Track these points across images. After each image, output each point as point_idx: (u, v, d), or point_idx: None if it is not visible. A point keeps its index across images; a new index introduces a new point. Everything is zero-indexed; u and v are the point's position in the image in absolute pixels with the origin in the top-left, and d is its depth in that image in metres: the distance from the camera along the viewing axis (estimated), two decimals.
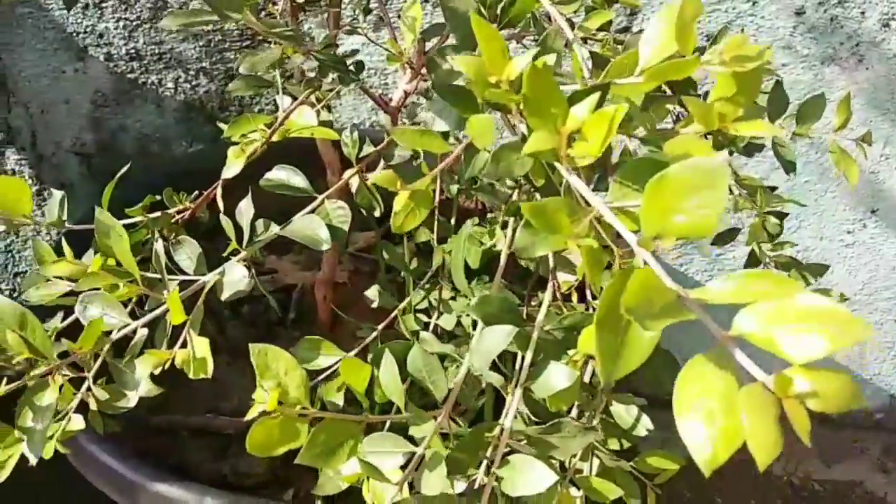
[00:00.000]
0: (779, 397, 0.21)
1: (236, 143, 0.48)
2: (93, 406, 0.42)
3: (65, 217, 0.46)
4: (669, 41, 0.31)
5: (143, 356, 0.38)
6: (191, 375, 0.38)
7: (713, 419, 0.21)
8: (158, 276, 0.41)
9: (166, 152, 1.09)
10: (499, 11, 0.41)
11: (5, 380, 0.40)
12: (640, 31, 0.54)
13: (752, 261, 0.57)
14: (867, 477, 1.24)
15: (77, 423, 0.42)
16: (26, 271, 1.22)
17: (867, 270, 1.13)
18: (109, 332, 0.40)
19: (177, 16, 0.39)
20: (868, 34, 0.94)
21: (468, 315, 0.43)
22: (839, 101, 0.57)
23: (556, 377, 0.33)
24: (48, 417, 0.36)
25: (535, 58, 0.32)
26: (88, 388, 0.42)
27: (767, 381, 0.21)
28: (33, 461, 0.37)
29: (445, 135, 0.36)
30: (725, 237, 0.59)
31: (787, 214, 0.60)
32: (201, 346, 0.37)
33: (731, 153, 0.54)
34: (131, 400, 0.42)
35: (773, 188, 0.60)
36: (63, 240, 0.47)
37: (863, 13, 0.93)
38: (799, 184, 1.06)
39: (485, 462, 0.33)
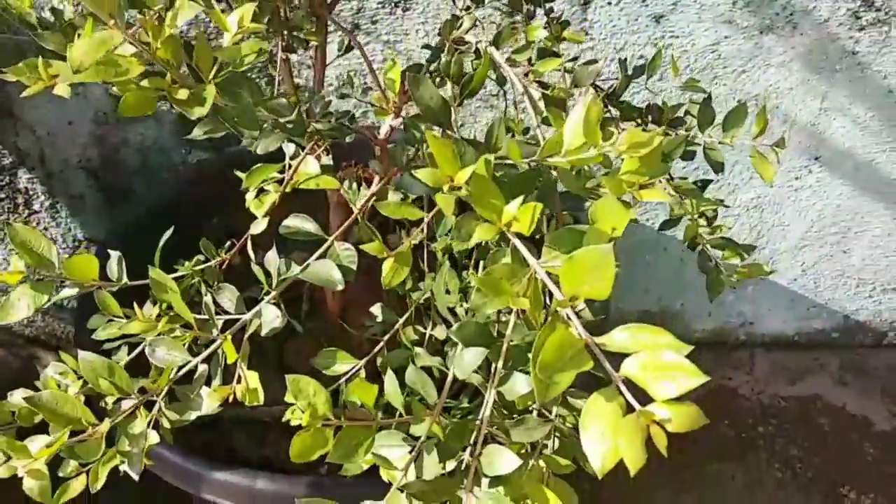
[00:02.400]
0: (646, 423, 0.32)
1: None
2: (165, 425, 0.53)
3: (124, 275, 0.56)
4: (582, 132, 0.41)
5: (212, 392, 0.49)
6: (246, 403, 0.49)
7: (604, 438, 0.32)
8: (207, 317, 0.52)
9: (167, 161, 1.18)
10: (461, 87, 0.51)
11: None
12: (589, 61, 0.64)
13: (691, 244, 0.68)
14: (827, 390, 1.38)
15: (154, 437, 0.53)
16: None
17: (815, 210, 1.24)
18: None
19: (203, 126, 0.49)
20: (800, 4, 1.03)
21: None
22: (757, 113, 0.66)
23: (520, 384, 0.45)
24: (142, 441, 0.47)
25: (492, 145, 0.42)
26: (160, 410, 0.53)
27: (640, 409, 0.32)
28: (136, 478, 0.48)
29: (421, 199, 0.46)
30: (667, 225, 0.69)
31: (721, 201, 0.70)
32: (253, 379, 0.48)
33: (671, 160, 0.63)
34: (193, 415, 0.54)
35: (705, 182, 0.69)
36: (134, 303, 0.57)
37: None
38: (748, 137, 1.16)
39: (468, 448, 0.44)
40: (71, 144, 1.16)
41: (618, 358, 0.36)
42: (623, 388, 0.33)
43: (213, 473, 0.67)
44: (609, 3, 1.03)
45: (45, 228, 1.25)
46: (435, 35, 1.05)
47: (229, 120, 0.45)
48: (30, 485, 0.46)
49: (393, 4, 1.03)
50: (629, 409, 0.33)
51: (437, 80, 0.66)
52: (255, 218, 0.61)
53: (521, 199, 0.37)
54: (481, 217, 0.39)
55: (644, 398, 0.34)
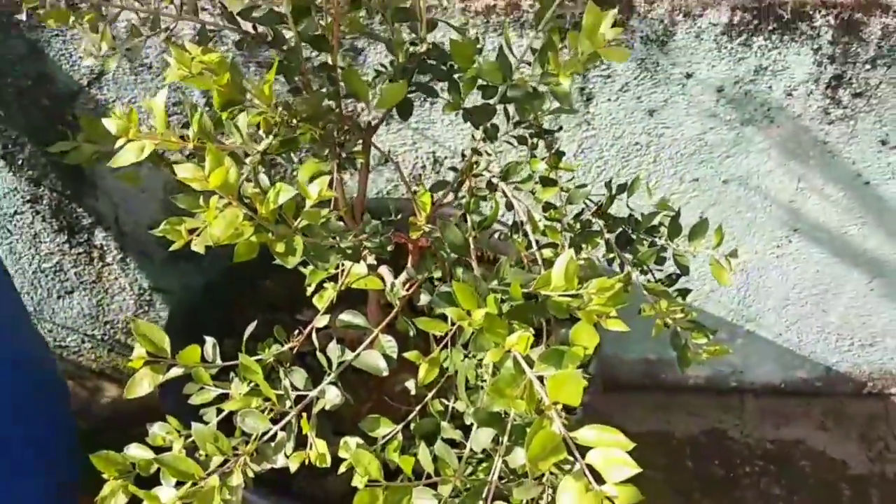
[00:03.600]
0: (601, 498, 0.47)
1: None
2: (249, 474, 0.69)
3: (218, 357, 0.72)
4: (563, 278, 0.57)
5: (293, 455, 0.65)
6: (317, 464, 0.65)
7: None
8: (283, 393, 0.68)
9: None
10: (479, 223, 0.67)
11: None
12: (580, 185, 0.80)
13: (658, 329, 0.83)
14: (810, 435, 1.52)
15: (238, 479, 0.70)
16: (114, 319, 1.49)
17: (796, 274, 1.39)
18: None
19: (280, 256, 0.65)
20: (775, 102, 1.19)
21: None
22: (715, 229, 0.81)
23: (520, 456, 0.60)
24: (239, 492, 0.63)
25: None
26: (246, 464, 0.69)
27: (597, 489, 0.48)
28: None
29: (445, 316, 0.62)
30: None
31: (687, 292, 0.85)
32: (322, 446, 0.64)
33: (644, 271, 0.79)
34: (268, 467, 0.70)
35: (685, 292, 0.83)
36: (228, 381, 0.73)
37: (770, 87, 1.17)
38: (734, 212, 1.31)
39: (482, 502, 0.60)
40: (143, 209, 1.34)
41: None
42: (587, 472, 0.49)
43: None
44: (609, 100, 1.19)
45: (116, 278, 1.43)
46: (457, 124, 1.22)
47: (306, 254, 0.61)
48: None
49: (422, 98, 1.20)
50: (590, 487, 0.49)
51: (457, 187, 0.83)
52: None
53: (519, 332, 0.53)
54: (491, 340, 0.55)
55: (600, 479, 0.50)
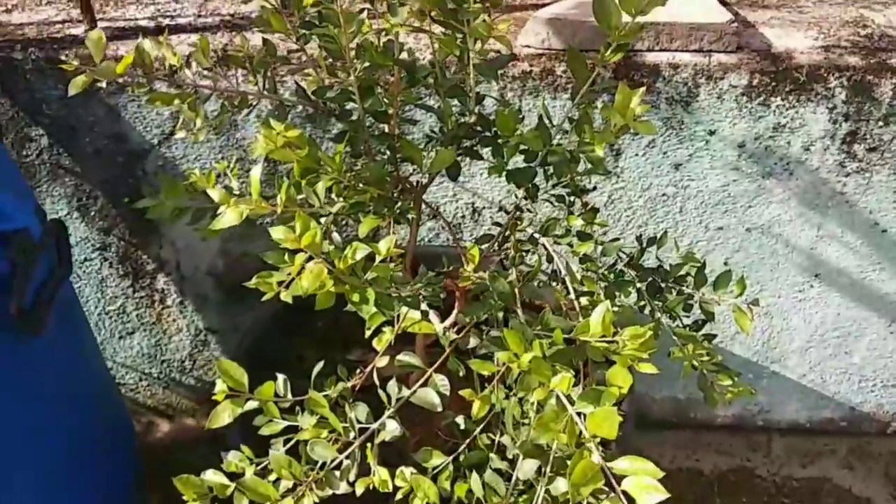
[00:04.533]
0: None
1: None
2: (315, 499, 0.78)
3: (289, 392, 0.81)
4: (601, 326, 0.65)
5: (358, 481, 0.73)
6: (381, 490, 0.73)
7: None
8: (348, 425, 0.77)
9: None
10: (521, 278, 0.76)
11: None
12: (613, 240, 0.88)
13: (687, 371, 0.90)
14: (835, 473, 1.57)
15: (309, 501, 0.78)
16: (171, 359, 1.59)
17: (818, 317, 1.45)
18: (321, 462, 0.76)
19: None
20: (794, 156, 1.27)
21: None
22: (737, 279, 0.88)
23: (561, 485, 0.68)
24: None
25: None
26: (311, 489, 0.78)
27: None
28: None
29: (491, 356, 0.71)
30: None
31: (714, 337, 0.93)
32: (384, 473, 0.72)
33: (672, 317, 0.87)
34: (331, 492, 0.78)
35: (711, 337, 0.90)
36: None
37: (788, 143, 1.26)
38: (757, 258, 1.38)
39: None
40: (202, 255, 1.44)
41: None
42: (622, 497, 0.56)
43: None
44: (637, 154, 1.28)
45: (174, 320, 1.53)
46: (494, 177, 1.31)
47: (375, 304, 0.70)
48: None
49: (466, 157, 1.29)
50: None
51: (501, 241, 0.92)
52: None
53: (562, 373, 0.62)
54: (537, 380, 0.63)
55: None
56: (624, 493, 0.57)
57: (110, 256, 1.44)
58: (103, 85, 1.01)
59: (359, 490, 0.73)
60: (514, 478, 0.72)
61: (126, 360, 1.60)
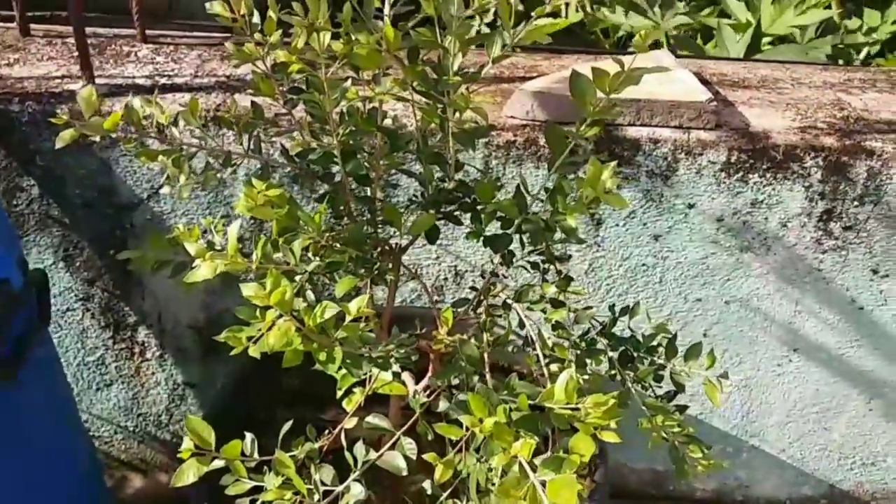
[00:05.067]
0: None
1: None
2: None
3: (255, 452, 0.80)
4: (564, 395, 0.66)
5: None
6: None
7: None
8: (312, 487, 0.76)
9: None
10: (491, 343, 0.77)
11: None
12: (586, 307, 0.90)
13: (656, 441, 0.90)
14: None
15: None
16: (147, 412, 1.58)
17: (797, 392, 1.46)
18: None
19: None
20: (772, 231, 1.29)
21: None
22: (707, 352, 0.89)
23: None
24: None
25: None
26: None
27: None
28: None
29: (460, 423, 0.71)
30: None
31: (685, 408, 0.93)
32: None
33: (644, 387, 0.87)
34: None
35: (683, 408, 0.91)
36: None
37: (766, 218, 1.28)
38: (736, 331, 1.40)
39: None
40: (184, 309, 1.45)
41: None
42: None
43: None
44: (617, 225, 1.30)
45: (153, 373, 1.52)
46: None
47: (342, 362, 0.71)
48: None
49: (446, 221, 1.31)
50: None
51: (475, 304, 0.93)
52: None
53: (524, 439, 0.62)
54: (499, 446, 0.64)
55: None
56: None
57: (93, 307, 1.44)
58: (96, 139, 1.03)
59: None
60: None
61: (102, 412, 1.59)
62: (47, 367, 1.15)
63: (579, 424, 0.65)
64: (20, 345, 0.99)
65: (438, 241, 1.34)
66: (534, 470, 0.64)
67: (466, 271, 1.37)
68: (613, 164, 0.76)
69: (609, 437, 0.66)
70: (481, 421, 0.64)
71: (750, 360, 1.43)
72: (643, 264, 1.34)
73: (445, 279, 1.38)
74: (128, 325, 1.47)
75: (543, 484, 0.62)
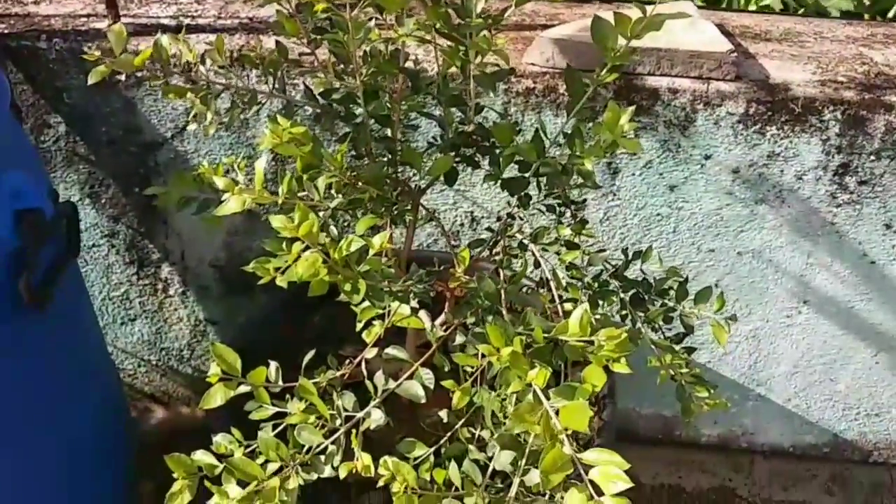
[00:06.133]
0: None
1: None
2: (297, 483, 0.81)
3: (280, 379, 0.84)
4: (578, 327, 0.69)
5: (342, 465, 0.76)
6: (363, 474, 0.76)
7: None
8: (335, 413, 0.80)
9: None
10: (510, 278, 0.80)
11: None
12: (600, 250, 0.92)
13: (663, 379, 0.93)
14: (816, 498, 1.59)
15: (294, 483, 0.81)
16: (170, 347, 1.63)
17: (805, 343, 1.48)
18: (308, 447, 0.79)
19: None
20: (787, 184, 1.30)
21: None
22: (717, 295, 0.91)
23: (535, 476, 0.71)
24: (294, 496, 0.75)
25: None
26: (296, 471, 0.81)
27: (597, 499, 0.59)
28: None
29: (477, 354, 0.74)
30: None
31: (692, 350, 0.96)
32: (367, 458, 0.76)
33: (655, 329, 0.90)
34: (315, 476, 0.82)
35: (691, 350, 0.93)
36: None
37: (782, 171, 1.29)
38: (747, 282, 1.42)
39: None
40: (207, 247, 1.48)
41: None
42: (589, 486, 0.60)
43: None
44: (633, 174, 1.32)
45: (175, 309, 1.57)
46: (494, 188, 1.35)
47: (366, 294, 0.74)
48: None
49: (464, 164, 1.33)
50: (591, 497, 0.60)
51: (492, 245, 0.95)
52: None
53: (538, 368, 0.65)
54: (515, 374, 0.67)
55: (600, 492, 0.61)
56: (591, 482, 0.60)
57: (118, 244, 1.48)
58: (122, 78, 1.05)
59: (342, 473, 0.77)
60: (490, 468, 0.75)
61: (126, 346, 1.64)
62: (75, 298, 1.19)
63: (592, 356, 0.68)
64: (50, 275, 1.03)
65: (455, 187, 1.36)
66: (547, 398, 0.67)
67: (482, 217, 1.39)
68: (631, 108, 0.78)
69: (620, 369, 0.69)
70: (499, 350, 0.67)
71: (760, 310, 1.45)
72: (658, 214, 1.35)
73: (462, 224, 1.40)
74: (152, 261, 1.51)
75: (556, 411, 0.66)
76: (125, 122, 1.33)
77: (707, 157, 1.29)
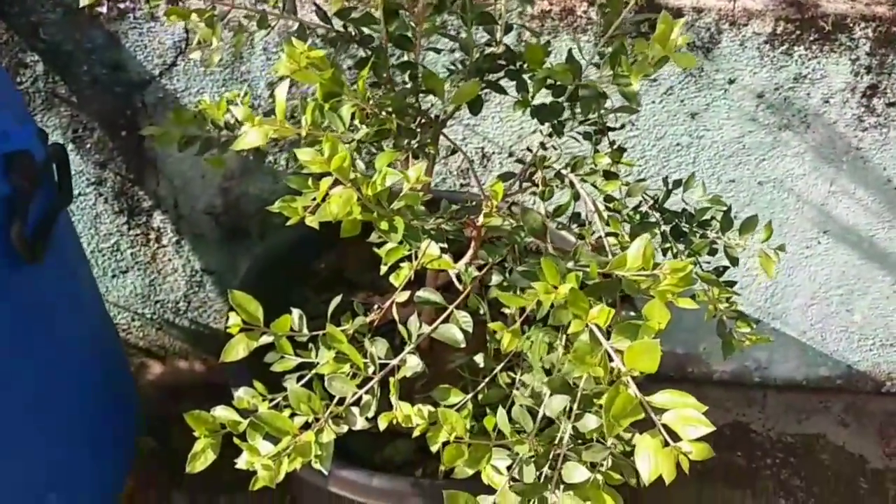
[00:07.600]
0: (676, 453, 0.53)
1: None
2: (332, 436, 0.76)
3: (304, 328, 0.78)
4: (640, 259, 0.63)
5: (382, 415, 0.71)
6: (403, 425, 0.71)
7: (649, 460, 0.54)
8: (368, 361, 0.74)
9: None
10: (553, 211, 0.73)
11: None
12: (639, 179, 0.86)
13: (710, 315, 0.89)
14: (829, 430, 1.58)
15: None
16: (165, 299, 1.56)
17: (823, 274, 1.45)
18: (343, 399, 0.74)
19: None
20: (813, 108, 1.25)
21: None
22: (765, 225, 0.86)
23: (590, 421, 0.66)
24: (330, 447, 0.70)
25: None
26: (329, 424, 0.76)
27: (673, 445, 0.54)
28: (326, 473, 0.70)
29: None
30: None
31: (734, 284, 0.91)
32: (406, 408, 0.71)
33: (695, 262, 0.85)
34: (346, 429, 0.76)
35: (731, 283, 0.88)
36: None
37: (808, 94, 1.23)
38: (767, 213, 1.37)
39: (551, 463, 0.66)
40: (201, 193, 1.40)
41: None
42: (662, 430, 0.55)
43: (338, 471, 0.89)
44: (653, 102, 1.25)
45: (170, 259, 1.49)
46: (506, 121, 1.28)
47: (402, 236, 0.68)
48: (261, 474, 0.69)
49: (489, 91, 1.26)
50: (666, 443, 0.55)
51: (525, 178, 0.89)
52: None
53: (600, 305, 0.60)
54: (573, 313, 0.61)
55: (675, 437, 0.56)
56: (665, 426, 0.55)
57: (105, 192, 1.40)
58: (104, 10, 0.95)
59: (382, 425, 0.72)
60: (539, 414, 0.70)
61: (119, 299, 1.57)
62: (70, 248, 1.11)
63: (654, 291, 0.63)
64: (43, 224, 0.95)
65: (465, 121, 1.29)
66: (607, 338, 0.62)
67: (494, 153, 1.32)
68: (683, 20, 0.71)
69: (685, 304, 0.64)
70: (556, 288, 0.61)
71: (778, 242, 1.40)
72: (677, 144, 1.29)
73: (472, 161, 1.33)
74: (142, 210, 1.42)
75: (617, 351, 0.61)
76: (108, 60, 1.23)
77: (731, 82, 1.22)
